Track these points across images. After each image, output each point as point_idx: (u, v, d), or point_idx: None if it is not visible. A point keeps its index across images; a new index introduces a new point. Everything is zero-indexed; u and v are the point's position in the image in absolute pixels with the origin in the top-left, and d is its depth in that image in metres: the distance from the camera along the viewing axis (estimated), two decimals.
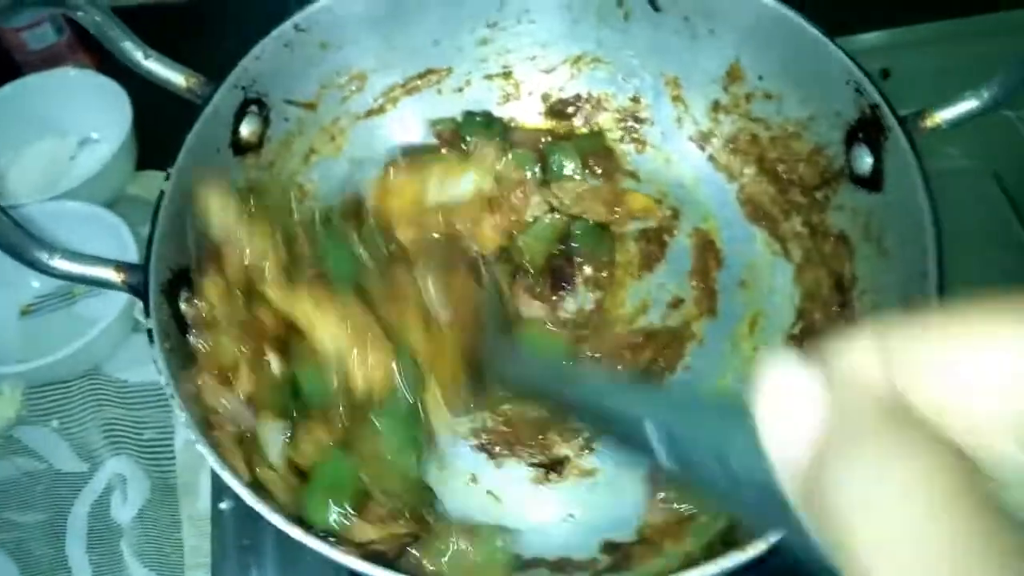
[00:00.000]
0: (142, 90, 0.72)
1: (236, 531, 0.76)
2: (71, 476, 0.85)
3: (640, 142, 0.87)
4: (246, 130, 0.74)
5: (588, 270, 0.81)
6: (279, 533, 0.53)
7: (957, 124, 0.65)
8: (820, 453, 0.22)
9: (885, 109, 0.66)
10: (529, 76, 0.88)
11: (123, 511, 0.83)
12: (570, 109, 0.89)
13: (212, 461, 0.55)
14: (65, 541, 0.82)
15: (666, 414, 0.35)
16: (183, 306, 0.64)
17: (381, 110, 0.85)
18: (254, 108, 0.74)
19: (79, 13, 0.66)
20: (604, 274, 0.80)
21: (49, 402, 0.89)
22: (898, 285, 0.63)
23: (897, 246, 0.66)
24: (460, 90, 0.87)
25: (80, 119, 1.06)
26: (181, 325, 0.64)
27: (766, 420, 0.23)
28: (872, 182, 0.69)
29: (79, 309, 0.95)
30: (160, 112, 0.71)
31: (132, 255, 0.87)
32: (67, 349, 0.82)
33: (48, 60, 1.10)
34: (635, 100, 0.87)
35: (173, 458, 0.86)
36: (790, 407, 0.23)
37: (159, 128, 0.69)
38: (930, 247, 0.58)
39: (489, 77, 0.88)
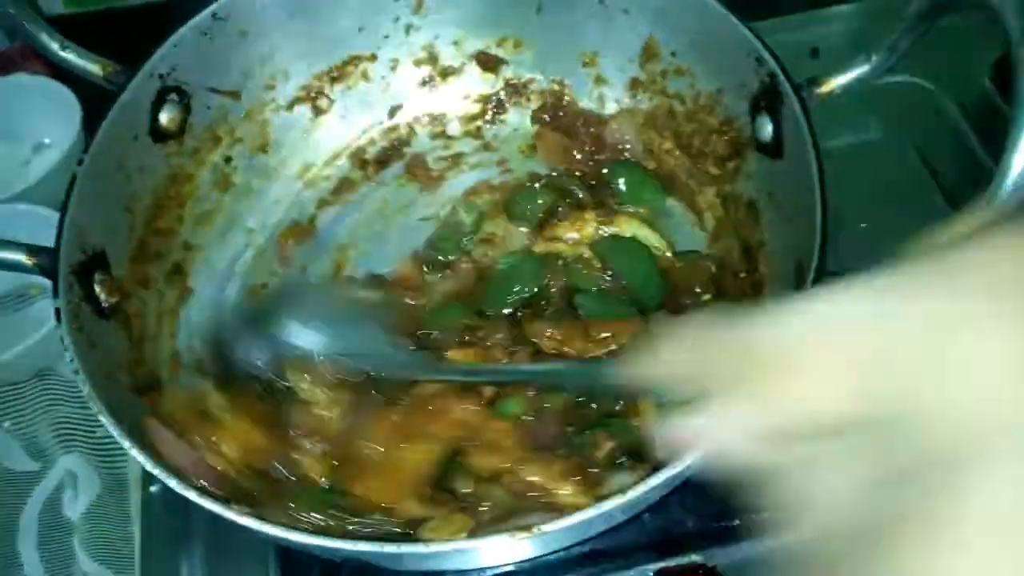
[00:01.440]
0: (93, 96, 0.73)
1: (165, 514, 0.77)
2: (23, 475, 0.86)
3: None
4: (165, 117, 0.75)
5: None
6: (208, 516, 0.54)
7: (849, 88, 0.67)
8: None
9: (781, 77, 0.68)
10: (454, 60, 0.90)
11: (74, 507, 0.83)
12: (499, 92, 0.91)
13: (119, 438, 0.56)
14: (16, 539, 0.83)
15: None
16: (97, 288, 0.66)
17: (308, 97, 0.87)
18: (174, 96, 0.76)
19: None
20: None
21: (1, 403, 0.89)
22: (795, 247, 0.64)
23: (795, 209, 0.67)
24: (384, 77, 0.89)
25: (33, 125, 1.07)
26: (96, 307, 0.65)
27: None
28: (774, 149, 0.71)
29: (34, 312, 0.96)
30: None
31: None
32: (16, 349, 0.83)
33: (0, 67, 1.11)
34: (558, 83, 0.89)
35: (125, 454, 0.86)
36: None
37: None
38: (816, 207, 0.59)
39: (415, 63, 0.89)
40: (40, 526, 0.84)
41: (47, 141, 1.08)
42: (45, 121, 1.06)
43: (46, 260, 0.62)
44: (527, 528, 0.49)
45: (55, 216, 0.89)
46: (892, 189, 0.92)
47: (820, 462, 0.27)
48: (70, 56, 0.70)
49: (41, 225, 0.91)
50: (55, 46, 0.70)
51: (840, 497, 0.26)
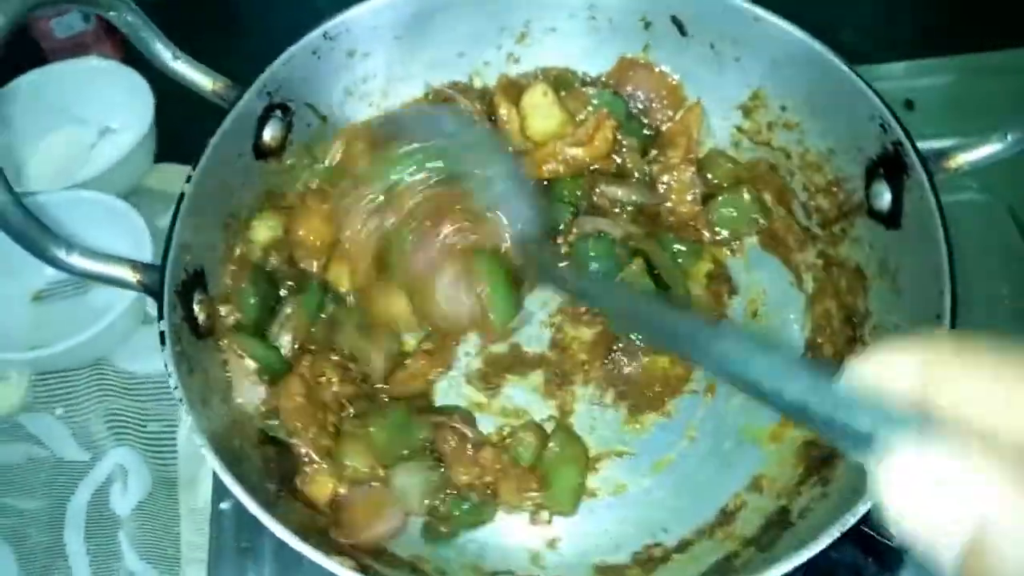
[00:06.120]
0: (163, 83, 0.72)
1: (235, 532, 0.76)
2: (73, 465, 0.85)
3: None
4: (268, 134, 0.74)
5: None
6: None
7: (979, 166, 0.65)
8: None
9: (908, 147, 0.66)
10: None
11: (123, 502, 0.83)
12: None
13: (217, 466, 0.55)
14: (64, 529, 0.82)
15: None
16: (196, 308, 0.64)
17: None
18: (278, 113, 0.75)
19: (111, 13, 0.66)
20: None
21: (55, 389, 0.89)
22: (910, 324, 0.63)
23: (911, 284, 0.65)
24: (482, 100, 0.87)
25: (102, 109, 1.07)
26: (193, 327, 0.64)
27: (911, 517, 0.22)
28: (891, 219, 0.68)
29: (91, 298, 0.96)
30: (179, 106, 0.71)
31: (146, 248, 0.87)
32: (75, 339, 0.83)
33: (74, 48, 1.11)
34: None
35: (175, 452, 0.86)
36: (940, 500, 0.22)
37: (177, 122, 0.69)
38: (946, 291, 0.58)
39: None
40: (88, 519, 0.83)
41: (114, 126, 1.08)
42: (113, 106, 1.06)
43: (151, 278, 0.61)
44: None
45: (122, 206, 0.90)
46: (985, 253, 0.89)
47: None
48: (181, 67, 0.69)
49: (109, 215, 0.91)
50: (167, 55, 0.69)
51: None
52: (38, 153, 1.07)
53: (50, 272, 0.96)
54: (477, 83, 0.87)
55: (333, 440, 0.68)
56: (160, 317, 0.60)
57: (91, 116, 1.08)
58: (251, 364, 0.67)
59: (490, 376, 0.75)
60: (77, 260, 0.60)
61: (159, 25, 0.70)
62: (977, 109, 0.99)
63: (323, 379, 0.68)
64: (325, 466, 0.67)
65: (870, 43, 1.01)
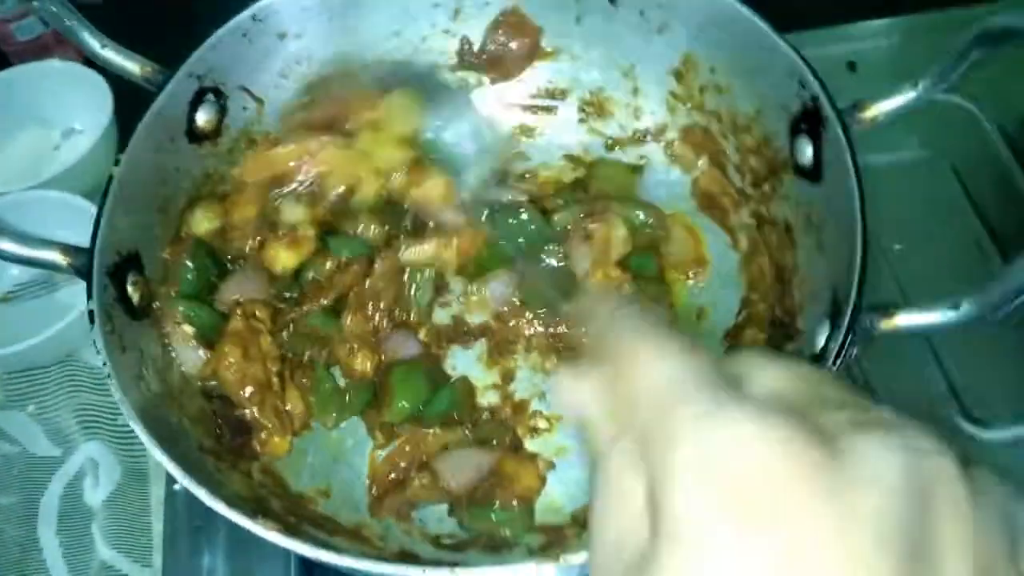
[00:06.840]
0: (124, 83, 0.73)
1: (188, 513, 0.77)
2: (45, 460, 0.87)
3: (598, 134, 0.88)
4: (202, 118, 0.75)
5: None
6: None
7: (895, 115, 0.66)
8: None
9: (824, 100, 0.66)
10: None
11: (95, 495, 0.85)
12: (533, 100, 0.90)
13: (149, 445, 0.56)
14: (37, 523, 0.84)
15: None
16: (130, 289, 0.66)
17: None
18: (211, 97, 0.76)
19: (34, 3, 0.68)
20: None
21: (26, 387, 0.91)
22: (830, 275, 0.63)
23: (833, 236, 0.66)
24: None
25: (64, 110, 1.08)
26: (128, 308, 0.66)
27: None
28: (813, 173, 0.69)
29: (59, 297, 0.97)
30: (141, 105, 0.72)
31: None
32: (43, 335, 0.84)
33: (34, 51, 1.12)
34: (593, 92, 0.88)
35: None
36: None
37: (140, 120, 0.70)
38: (857, 238, 0.58)
39: (451, 68, 0.89)
40: (60, 512, 0.85)
41: (77, 127, 1.09)
42: (76, 107, 1.07)
43: (81, 260, 0.62)
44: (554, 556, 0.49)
45: (85, 204, 0.92)
46: (927, 210, 0.91)
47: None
48: (109, 54, 0.70)
49: (72, 214, 0.92)
50: (95, 43, 0.70)
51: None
52: (3, 155, 1.08)
53: (16, 272, 0.97)
54: (420, 60, 0.88)
55: (279, 397, 0.69)
56: (89, 297, 0.61)
57: (54, 118, 1.09)
58: (188, 329, 0.69)
59: (432, 347, 0.77)
60: (5, 245, 0.61)
61: (118, 23, 0.71)
62: (920, 69, 0.99)
63: (254, 320, 0.70)
64: (276, 426, 0.68)
65: (813, 5, 1.02)
